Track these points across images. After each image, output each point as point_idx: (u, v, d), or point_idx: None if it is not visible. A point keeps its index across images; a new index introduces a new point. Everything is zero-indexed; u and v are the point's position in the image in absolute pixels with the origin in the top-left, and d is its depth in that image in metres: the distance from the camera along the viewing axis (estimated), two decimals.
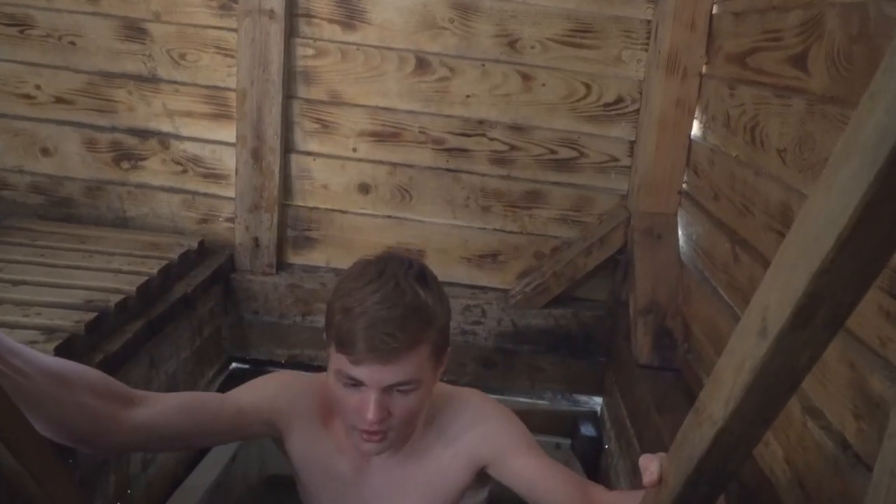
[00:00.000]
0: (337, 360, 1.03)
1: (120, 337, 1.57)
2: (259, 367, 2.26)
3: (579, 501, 1.11)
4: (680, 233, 1.99)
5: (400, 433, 1.08)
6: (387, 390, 1.01)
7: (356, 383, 1.02)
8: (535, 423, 2.29)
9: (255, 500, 2.04)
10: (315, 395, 1.21)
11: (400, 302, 1.00)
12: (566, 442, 2.26)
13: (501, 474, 1.17)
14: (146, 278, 1.75)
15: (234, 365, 2.27)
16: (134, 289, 1.68)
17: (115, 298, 1.62)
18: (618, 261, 2.14)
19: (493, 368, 2.21)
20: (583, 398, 2.31)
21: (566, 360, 2.20)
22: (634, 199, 2.06)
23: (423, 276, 1.06)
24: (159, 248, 1.97)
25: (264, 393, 1.20)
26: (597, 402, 2.29)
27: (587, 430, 2.20)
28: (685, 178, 2.00)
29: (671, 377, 1.78)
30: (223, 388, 2.16)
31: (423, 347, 1.02)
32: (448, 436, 1.19)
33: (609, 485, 1.95)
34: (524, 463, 1.15)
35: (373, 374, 1.00)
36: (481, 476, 1.20)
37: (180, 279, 1.92)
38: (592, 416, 2.25)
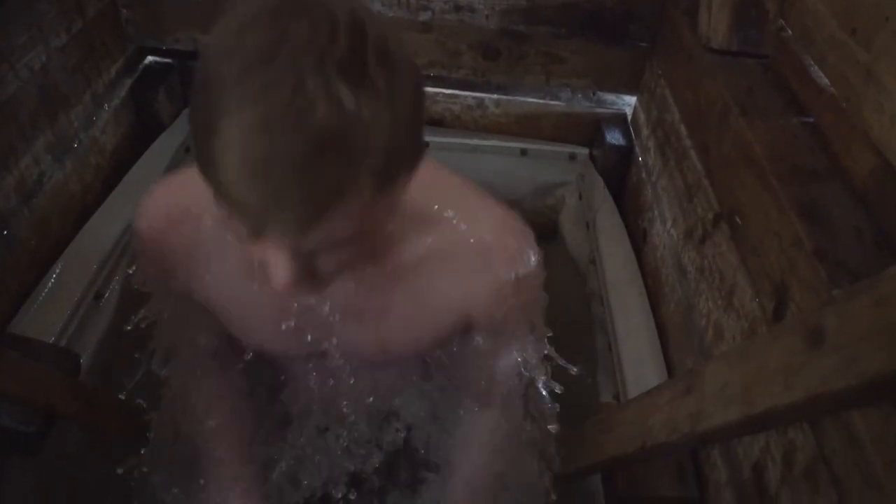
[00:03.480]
0: (219, 202, 0.52)
1: None
2: (183, 62, 1.70)
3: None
4: None
5: (342, 275, 0.63)
6: (303, 253, 0.55)
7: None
8: (548, 127, 1.83)
9: None
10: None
11: (305, 124, 0.46)
12: (583, 151, 1.82)
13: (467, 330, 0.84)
14: None
15: (149, 58, 1.70)
16: None
17: None
18: None
19: (496, 58, 1.67)
20: (610, 98, 1.81)
21: (594, 47, 1.65)
22: None
23: (358, 55, 0.48)
24: None
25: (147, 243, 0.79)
26: (627, 102, 1.79)
27: (613, 136, 1.74)
28: None
29: (756, 67, 1.26)
30: (138, 90, 1.63)
31: (355, 194, 0.50)
32: (450, 269, 0.76)
33: (644, 208, 1.55)
34: (494, 355, 0.86)
35: (273, 241, 0.53)
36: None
37: None
38: (621, 121, 1.78)
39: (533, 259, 0.77)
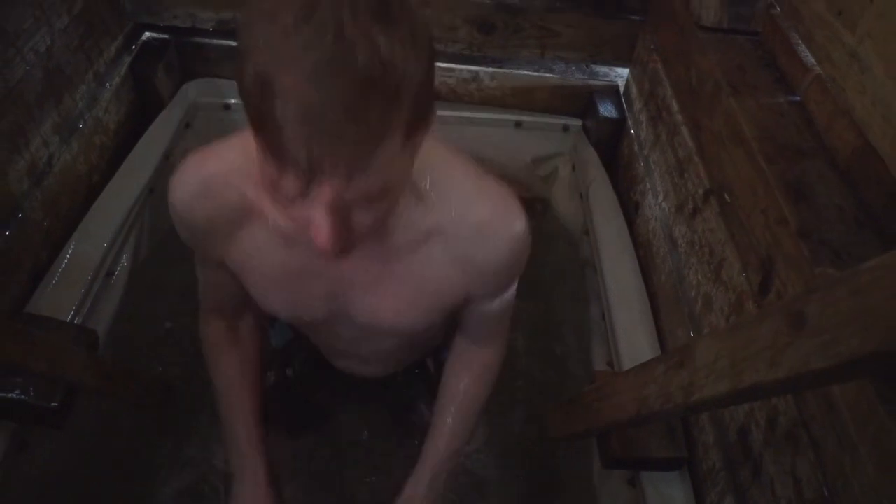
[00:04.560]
0: (264, 163, 0.59)
1: None
2: (180, 38, 1.71)
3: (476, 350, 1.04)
4: None
5: (367, 239, 0.69)
6: (343, 206, 0.61)
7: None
8: (542, 99, 1.86)
9: None
10: (244, 175, 0.77)
11: (348, 67, 0.51)
12: (576, 123, 1.86)
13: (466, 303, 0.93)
14: None
15: (147, 35, 1.71)
16: None
17: None
18: None
19: (492, 32, 1.69)
20: (602, 70, 1.83)
21: (588, 20, 1.68)
22: None
23: (384, 2, 0.54)
24: None
25: (185, 219, 0.83)
26: (620, 74, 1.82)
27: (606, 109, 1.78)
28: None
29: (746, 44, 1.30)
30: (137, 67, 1.65)
31: (393, 135, 0.57)
32: (451, 249, 0.81)
33: (636, 181, 1.60)
34: (489, 306, 0.94)
35: (319, 195, 0.58)
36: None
37: None
38: (613, 93, 1.81)
39: (527, 237, 0.83)
